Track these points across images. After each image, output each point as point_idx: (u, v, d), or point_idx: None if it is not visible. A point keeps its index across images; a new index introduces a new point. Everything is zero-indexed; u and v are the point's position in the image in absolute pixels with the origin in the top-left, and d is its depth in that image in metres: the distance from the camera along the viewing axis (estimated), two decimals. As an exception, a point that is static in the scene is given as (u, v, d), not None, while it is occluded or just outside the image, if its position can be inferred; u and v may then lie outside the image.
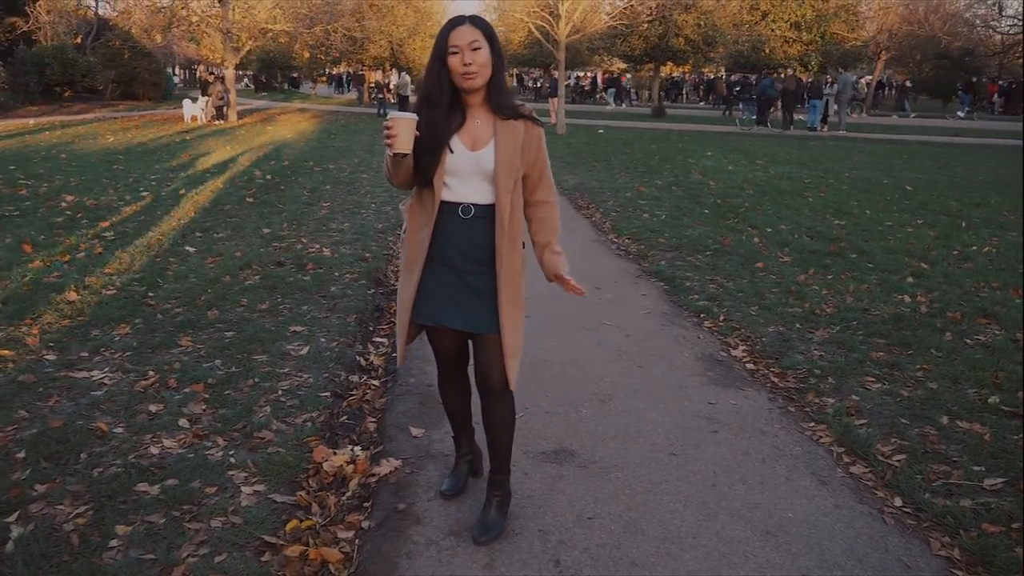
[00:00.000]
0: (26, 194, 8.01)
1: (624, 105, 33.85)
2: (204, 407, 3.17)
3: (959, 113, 29.28)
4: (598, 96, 37.48)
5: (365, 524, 2.44)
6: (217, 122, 19.52)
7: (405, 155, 2.05)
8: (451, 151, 2.12)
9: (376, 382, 3.61)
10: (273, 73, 42.48)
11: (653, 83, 31.82)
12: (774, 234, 6.86)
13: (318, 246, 6.10)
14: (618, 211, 8.06)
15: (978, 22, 32.37)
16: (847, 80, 21.92)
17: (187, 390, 3.32)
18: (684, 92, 41.38)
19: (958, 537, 2.38)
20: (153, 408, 3.13)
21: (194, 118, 19.28)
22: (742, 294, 4.99)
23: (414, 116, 2.04)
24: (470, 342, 2.33)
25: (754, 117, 22.06)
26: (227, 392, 3.31)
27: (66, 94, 24.47)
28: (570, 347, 4.03)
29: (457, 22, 2.08)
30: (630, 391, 3.49)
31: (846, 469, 2.82)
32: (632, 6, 22.54)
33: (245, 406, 3.17)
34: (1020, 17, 30.23)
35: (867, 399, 3.40)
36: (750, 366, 3.83)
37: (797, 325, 4.38)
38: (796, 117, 21.47)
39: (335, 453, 2.82)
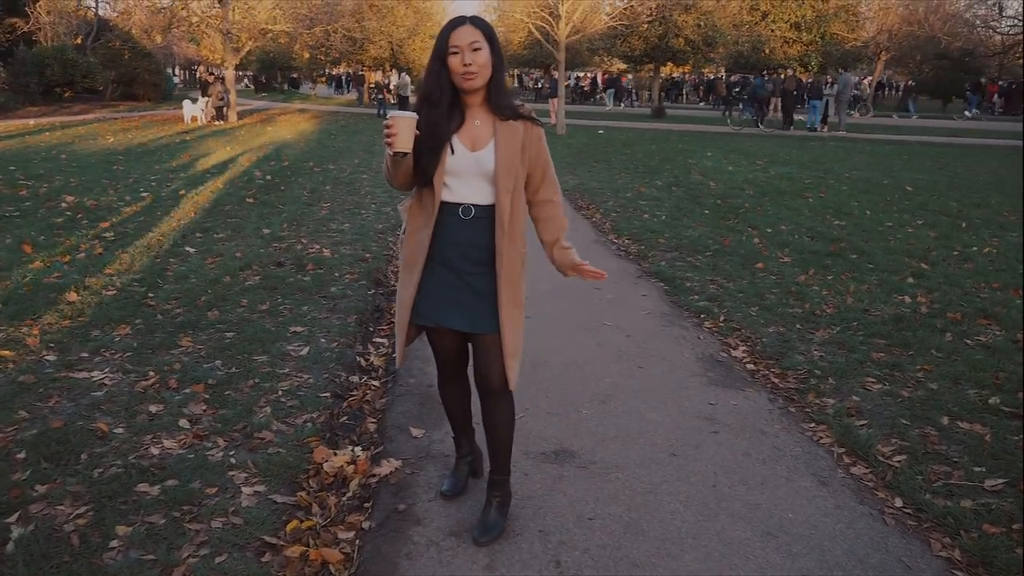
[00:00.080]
0: (26, 194, 8.01)
1: (623, 105, 33.86)
2: (204, 407, 3.17)
3: (967, 113, 29.21)
4: (598, 97, 37.49)
5: (365, 525, 2.44)
6: (217, 122, 19.52)
7: (405, 154, 2.05)
8: (452, 151, 2.12)
9: (376, 382, 3.61)
10: (273, 74, 42.51)
11: (653, 83, 31.80)
12: (774, 234, 6.86)
13: (318, 246, 6.10)
14: (618, 212, 8.06)
15: (978, 22, 32.39)
16: (847, 80, 21.94)
17: (187, 390, 3.32)
18: (684, 92, 41.40)
19: (959, 538, 2.38)
20: (153, 408, 3.13)
21: (194, 119, 19.29)
22: (742, 295, 4.99)
23: (414, 115, 2.04)
24: (470, 343, 2.33)
25: (754, 118, 22.08)
26: (227, 392, 3.31)
27: (66, 95, 24.48)
28: (570, 347, 4.02)
29: (457, 22, 2.08)
30: (630, 392, 3.49)
31: (847, 470, 2.82)
32: (632, 6, 22.53)
33: (245, 406, 3.17)
34: (1020, 17, 30.22)
35: (867, 400, 3.40)
36: (750, 367, 3.83)
37: (797, 326, 4.38)
38: (796, 118, 21.48)
39: (335, 454, 2.82)
